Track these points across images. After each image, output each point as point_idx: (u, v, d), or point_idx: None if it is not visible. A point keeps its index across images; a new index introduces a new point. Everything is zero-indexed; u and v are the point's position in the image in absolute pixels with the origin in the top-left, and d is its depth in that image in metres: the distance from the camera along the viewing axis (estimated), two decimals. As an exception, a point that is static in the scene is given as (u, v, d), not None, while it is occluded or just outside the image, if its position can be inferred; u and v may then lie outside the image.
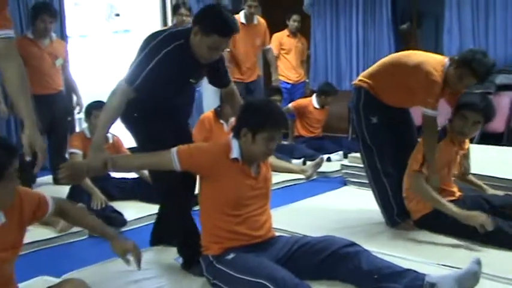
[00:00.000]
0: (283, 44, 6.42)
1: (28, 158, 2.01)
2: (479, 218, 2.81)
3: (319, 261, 2.33)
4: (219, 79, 2.84)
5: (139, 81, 2.44)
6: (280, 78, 6.21)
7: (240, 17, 5.46)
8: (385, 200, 3.31)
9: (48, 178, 4.68)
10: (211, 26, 2.45)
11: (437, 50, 6.66)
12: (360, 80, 3.35)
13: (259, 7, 5.62)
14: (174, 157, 2.36)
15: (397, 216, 3.26)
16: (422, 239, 3.06)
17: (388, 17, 6.55)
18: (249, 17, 5.51)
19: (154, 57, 2.46)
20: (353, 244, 2.36)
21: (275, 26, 6.77)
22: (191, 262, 2.66)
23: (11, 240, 1.83)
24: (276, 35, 6.37)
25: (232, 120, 4.68)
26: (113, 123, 2.50)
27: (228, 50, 5.39)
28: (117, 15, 7.96)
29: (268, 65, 6.27)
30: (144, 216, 3.63)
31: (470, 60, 2.93)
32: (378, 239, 3.06)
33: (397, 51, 6.61)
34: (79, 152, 3.88)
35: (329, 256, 2.31)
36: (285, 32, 6.45)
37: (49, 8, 4.61)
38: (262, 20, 5.70)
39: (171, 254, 2.90)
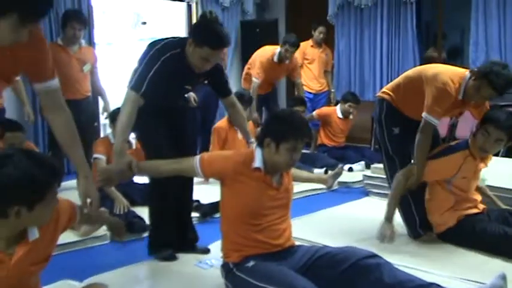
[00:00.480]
0: (307, 53, 6.43)
1: (86, 210, 2.12)
2: (383, 230, 3.03)
3: (339, 272, 2.30)
4: (219, 89, 3.02)
5: (145, 88, 2.62)
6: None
7: (274, 55, 5.49)
8: (408, 211, 3.29)
9: (72, 183, 4.74)
10: (204, 38, 2.64)
11: (462, 62, 6.61)
12: (383, 92, 3.39)
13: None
14: (196, 164, 2.40)
15: (419, 228, 3.25)
16: (446, 252, 3.02)
17: (413, 28, 6.50)
18: (282, 59, 5.52)
19: (154, 64, 2.65)
20: (374, 256, 2.32)
21: (298, 35, 6.79)
22: (153, 247, 2.99)
23: (43, 254, 1.85)
24: (302, 47, 6.36)
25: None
26: (129, 130, 2.66)
27: (258, 80, 5.47)
28: (144, 23, 8.08)
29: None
30: (166, 223, 3.64)
31: (488, 72, 2.92)
32: (400, 251, 3.03)
33: (421, 62, 6.60)
34: (103, 157, 3.93)
35: (350, 267, 2.27)
36: (309, 42, 6.46)
37: (79, 15, 4.68)
38: (294, 58, 5.69)
39: (191, 261, 2.92)
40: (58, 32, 5.16)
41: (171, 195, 2.97)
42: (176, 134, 2.94)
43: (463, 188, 3.09)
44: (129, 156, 2.56)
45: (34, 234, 1.76)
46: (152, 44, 2.78)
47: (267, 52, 5.58)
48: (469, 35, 6.12)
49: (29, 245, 1.75)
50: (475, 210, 3.12)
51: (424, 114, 3.04)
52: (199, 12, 6.86)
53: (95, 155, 4.02)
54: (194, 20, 6.87)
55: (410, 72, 3.36)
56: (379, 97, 3.41)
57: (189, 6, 6.94)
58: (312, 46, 6.44)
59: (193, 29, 2.76)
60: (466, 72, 3.07)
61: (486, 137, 2.97)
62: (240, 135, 4.73)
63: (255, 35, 7.17)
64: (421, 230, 3.25)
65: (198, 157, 2.44)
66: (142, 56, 2.75)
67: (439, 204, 3.15)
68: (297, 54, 6.25)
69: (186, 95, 3.12)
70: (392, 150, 3.31)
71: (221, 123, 4.96)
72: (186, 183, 3.03)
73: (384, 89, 3.43)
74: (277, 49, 5.52)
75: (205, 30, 2.70)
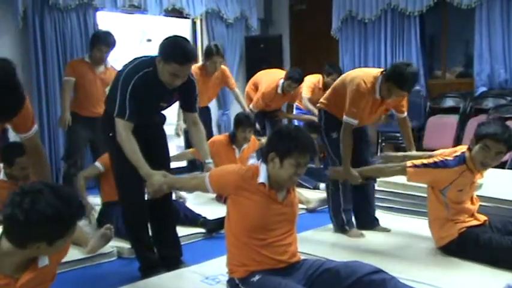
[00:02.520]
0: (314, 92, 5.99)
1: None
2: (337, 170, 3.43)
3: (344, 288, 2.30)
4: (186, 104, 3.10)
5: (129, 111, 2.72)
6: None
7: (278, 86, 5.55)
8: (337, 211, 3.68)
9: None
10: (170, 55, 2.71)
11: (466, 73, 6.62)
12: (320, 102, 3.74)
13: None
14: (206, 180, 2.46)
15: (346, 225, 3.66)
16: (452, 266, 3.00)
17: (417, 41, 6.52)
18: (284, 91, 5.61)
19: (129, 84, 2.72)
20: (379, 271, 2.30)
21: (302, 51, 6.84)
22: (143, 271, 3.06)
23: (51, 276, 1.87)
24: (311, 83, 6.00)
25: (245, 146, 4.80)
26: (139, 152, 2.73)
27: (255, 110, 5.59)
28: (149, 40, 8.16)
29: None
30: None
31: (391, 74, 3.26)
32: (405, 265, 3.01)
33: (426, 75, 6.61)
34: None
35: (354, 283, 2.25)
36: (320, 83, 6.02)
37: (108, 38, 4.71)
38: (298, 88, 5.71)
39: (198, 277, 2.92)
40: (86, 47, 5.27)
41: (143, 223, 3.07)
42: (149, 151, 2.93)
43: (458, 200, 3.09)
44: (158, 176, 2.65)
45: (44, 261, 1.77)
46: (126, 65, 2.86)
47: (272, 83, 5.59)
48: (473, 47, 6.14)
49: (37, 271, 1.75)
50: (475, 222, 3.11)
51: (343, 116, 3.37)
52: (204, 29, 6.94)
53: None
54: (199, 37, 6.95)
55: (337, 80, 3.66)
56: (318, 107, 3.77)
57: (194, 23, 7.01)
58: (319, 89, 5.95)
59: (160, 46, 2.79)
60: (378, 73, 3.35)
61: (486, 151, 2.94)
62: (237, 154, 4.79)
63: (259, 51, 7.23)
64: (347, 226, 3.64)
65: (207, 174, 2.50)
66: (117, 77, 2.83)
67: (436, 215, 3.16)
68: (306, 89, 5.94)
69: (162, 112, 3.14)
70: (334, 153, 3.59)
71: (220, 136, 5.03)
72: (161, 203, 3.04)
73: (321, 99, 3.73)
74: (280, 80, 5.54)
75: (171, 47, 2.74)
